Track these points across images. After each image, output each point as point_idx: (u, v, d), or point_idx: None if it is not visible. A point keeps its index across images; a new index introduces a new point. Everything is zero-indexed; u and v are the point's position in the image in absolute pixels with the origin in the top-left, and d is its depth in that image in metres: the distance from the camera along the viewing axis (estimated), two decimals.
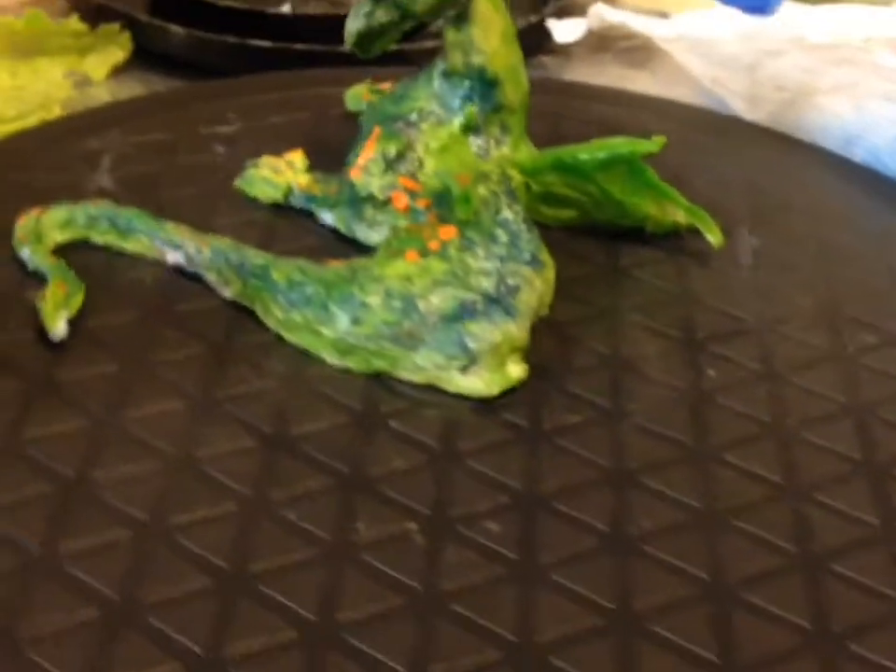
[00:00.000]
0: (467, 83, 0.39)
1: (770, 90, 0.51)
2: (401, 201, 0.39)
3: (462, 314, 0.34)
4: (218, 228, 0.39)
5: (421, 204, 0.39)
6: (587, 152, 0.39)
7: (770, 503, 0.32)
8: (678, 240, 0.42)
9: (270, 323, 0.36)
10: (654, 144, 0.38)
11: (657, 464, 0.33)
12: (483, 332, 0.34)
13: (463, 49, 0.38)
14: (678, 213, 0.41)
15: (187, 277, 0.38)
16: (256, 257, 0.36)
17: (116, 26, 0.55)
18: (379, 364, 0.35)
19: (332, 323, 0.35)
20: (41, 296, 0.35)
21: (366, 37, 0.37)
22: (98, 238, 0.38)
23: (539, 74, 0.56)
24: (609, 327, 0.38)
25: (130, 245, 0.38)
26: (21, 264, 0.37)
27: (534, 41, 0.58)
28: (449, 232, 0.37)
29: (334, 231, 0.41)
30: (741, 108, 0.51)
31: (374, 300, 0.35)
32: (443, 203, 0.38)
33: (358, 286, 0.35)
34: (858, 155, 0.47)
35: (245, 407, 0.34)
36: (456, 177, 0.38)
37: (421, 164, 0.39)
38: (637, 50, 0.60)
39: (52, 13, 0.57)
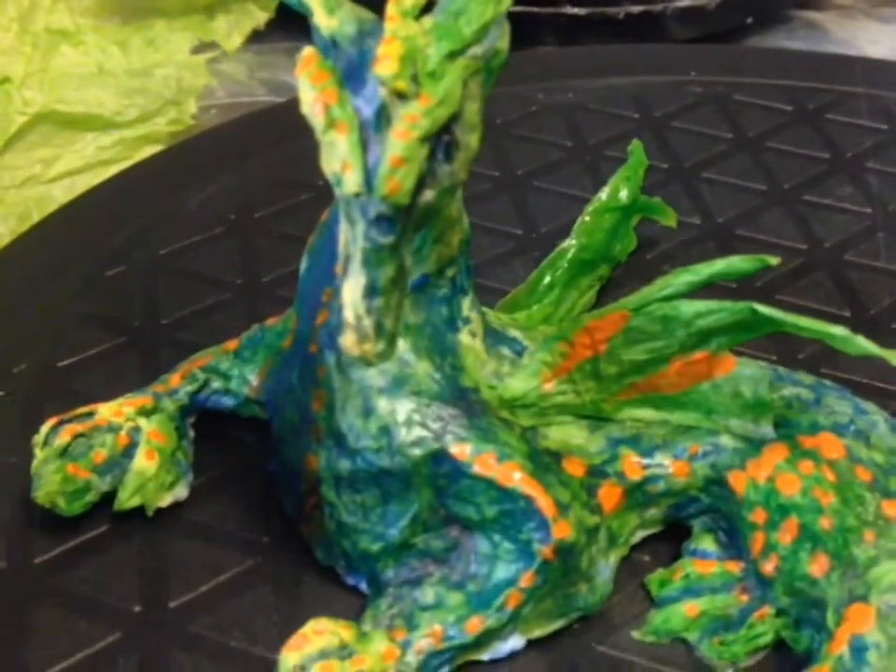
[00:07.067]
0: (451, 270, 0.22)
1: None
2: (612, 496, 0.23)
3: None
4: None
5: (636, 475, 0.23)
6: (677, 292, 0.22)
7: None
8: None
9: None
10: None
11: None
12: None
13: (460, 220, 0.22)
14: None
15: None
16: None
17: None
18: None
19: None
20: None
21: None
22: None
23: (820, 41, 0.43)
24: None
25: None
26: None
27: None
28: (834, 444, 0.22)
29: None
30: None
31: None
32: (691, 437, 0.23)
33: None
34: None
35: None
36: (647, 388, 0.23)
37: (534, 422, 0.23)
38: None
39: None
